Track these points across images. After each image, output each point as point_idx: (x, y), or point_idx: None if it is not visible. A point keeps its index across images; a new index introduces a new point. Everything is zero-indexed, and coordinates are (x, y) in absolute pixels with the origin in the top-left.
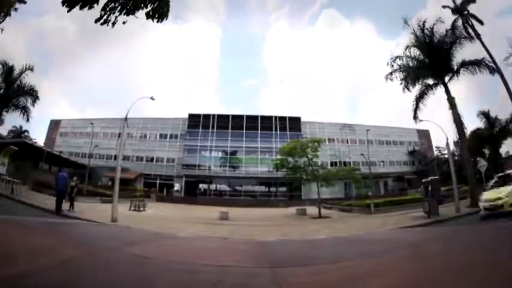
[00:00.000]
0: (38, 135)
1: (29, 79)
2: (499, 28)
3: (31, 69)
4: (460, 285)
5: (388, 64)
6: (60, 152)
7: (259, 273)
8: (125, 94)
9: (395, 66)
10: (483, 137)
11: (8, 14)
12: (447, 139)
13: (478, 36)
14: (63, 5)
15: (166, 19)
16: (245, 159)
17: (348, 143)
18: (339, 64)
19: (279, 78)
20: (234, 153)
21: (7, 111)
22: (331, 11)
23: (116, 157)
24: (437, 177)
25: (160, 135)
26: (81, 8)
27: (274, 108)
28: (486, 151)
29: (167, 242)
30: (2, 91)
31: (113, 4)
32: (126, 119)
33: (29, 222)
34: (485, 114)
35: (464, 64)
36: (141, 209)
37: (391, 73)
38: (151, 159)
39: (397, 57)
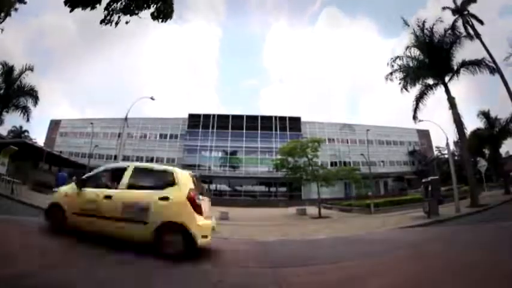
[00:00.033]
0: (38, 135)
1: (29, 79)
2: (500, 27)
3: (31, 69)
4: (460, 285)
5: (388, 64)
6: (60, 152)
7: (259, 273)
8: (124, 94)
9: (396, 67)
10: (483, 137)
11: (8, 14)
12: (447, 139)
13: (478, 36)
14: (65, 5)
15: (171, 19)
16: (245, 159)
17: (348, 143)
18: (339, 63)
19: (279, 78)
20: (234, 153)
21: (7, 112)
22: (332, 9)
23: (116, 157)
24: (437, 177)
25: (160, 135)
26: (83, 8)
27: (274, 108)
28: (486, 151)
29: None
30: (2, 91)
31: (115, 4)
32: (126, 119)
33: (29, 222)
34: (485, 114)
35: (464, 64)
36: None
37: (391, 73)
38: (151, 159)
39: (397, 57)
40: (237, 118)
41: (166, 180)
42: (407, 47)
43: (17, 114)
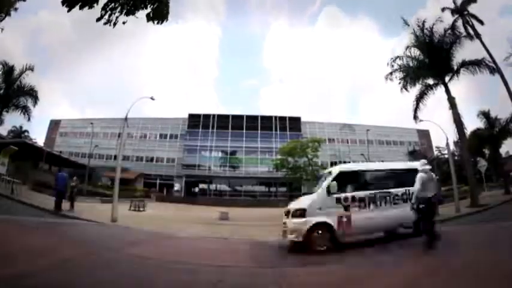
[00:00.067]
0: (38, 135)
1: (28, 79)
2: (500, 27)
3: (31, 69)
4: (460, 285)
5: (388, 64)
6: (60, 152)
7: (260, 273)
8: (125, 94)
9: (395, 66)
10: (483, 137)
11: (8, 13)
12: (447, 139)
13: (478, 36)
14: (63, 5)
15: (166, 21)
16: (245, 159)
17: (348, 143)
18: (339, 63)
19: (278, 78)
20: (234, 153)
21: (7, 111)
22: (332, 8)
23: (115, 157)
24: (437, 177)
25: (160, 135)
26: (81, 7)
27: (274, 108)
28: (486, 151)
29: (167, 242)
30: (2, 91)
31: (113, 4)
32: (126, 119)
33: (29, 222)
34: (486, 114)
35: (465, 64)
36: (141, 209)
37: (391, 73)
38: (151, 159)
39: (397, 57)
40: (237, 118)
41: None
42: (407, 47)
43: (17, 114)
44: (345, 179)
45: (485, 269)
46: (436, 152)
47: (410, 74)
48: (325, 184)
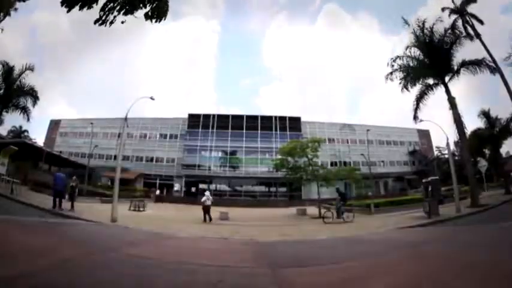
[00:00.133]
0: (38, 135)
1: (28, 79)
2: (501, 26)
3: (31, 69)
4: (460, 285)
5: (388, 64)
6: (60, 152)
7: (260, 274)
8: (124, 94)
9: (396, 66)
10: (483, 137)
11: (7, 13)
12: (447, 139)
13: (478, 36)
14: (62, 5)
15: (165, 19)
16: (245, 159)
17: (348, 143)
18: (339, 62)
19: (278, 77)
20: (234, 153)
21: (7, 112)
22: (332, 6)
23: (115, 157)
24: (437, 177)
25: (160, 135)
26: (81, 8)
27: (274, 107)
28: (486, 151)
29: (167, 242)
30: (2, 91)
31: (112, 4)
32: (126, 119)
33: (29, 222)
34: (486, 114)
35: (465, 64)
36: (141, 209)
37: (391, 73)
38: (151, 159)
39: (397, 57)
40: (237, 118)
41: None
42: (408, 47)
43: (17, 114)
44: None
45: (485, 269)
46: (436, 152)
47: (411, 73)
48: None
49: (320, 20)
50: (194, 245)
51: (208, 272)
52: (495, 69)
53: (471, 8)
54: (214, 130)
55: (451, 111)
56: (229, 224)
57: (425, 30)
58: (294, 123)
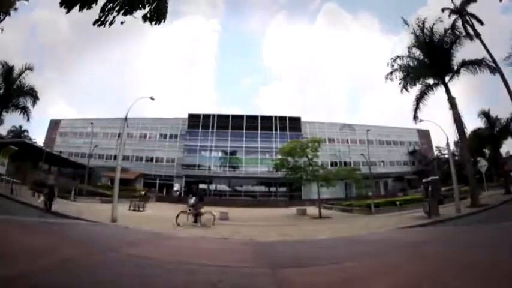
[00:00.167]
0: (38, 135)
1: (28, 79)
2: (501, 26)
3: (31, 69)
4: (460, 285)
5: (388, 64)
6: (60, 152)
7: (260, 274)
8: (124, 94)
9: (396, 66)
10: (483, 136)
11: (7, 13)
12: (447, 139)
13: (478, 36)
14: (61, 6)
15: (164, 21)
16: (245, 159)
17: (348, 143)
18: (339, 62)
19: (278, 76)
20: (234, 153)
21: (7, 111)
22: (332, 5)
23: (115, 157)
24: (437, 177)
25: (160, 135)
26: (80, 8)
27: (274, 107)
28: (487, 151)
29: (167, 242)
30: (1, 91)
31: (111, 4)
32: (126, 119)
33: (28, 222)
34: (486, 114)
35: (465, 64)
36: (141, 209)
37: (391, 73)
38: (151, 159)
39: (397, 57)
40: (237, 118)
41: None
42: (408, 47)
43: (16, 114)
44: None
45: (485, 269)
46: (436, 152)
47: (411, 73)
48: None
49: (320, 19)
50: (194, 245)
51: (208, 272)
52: (495, 69)
53: (471, 8)
54: (214, 130)
55: (451, 111)
56: (229, 224)
57: (425, 30)
58: (294, 123)
